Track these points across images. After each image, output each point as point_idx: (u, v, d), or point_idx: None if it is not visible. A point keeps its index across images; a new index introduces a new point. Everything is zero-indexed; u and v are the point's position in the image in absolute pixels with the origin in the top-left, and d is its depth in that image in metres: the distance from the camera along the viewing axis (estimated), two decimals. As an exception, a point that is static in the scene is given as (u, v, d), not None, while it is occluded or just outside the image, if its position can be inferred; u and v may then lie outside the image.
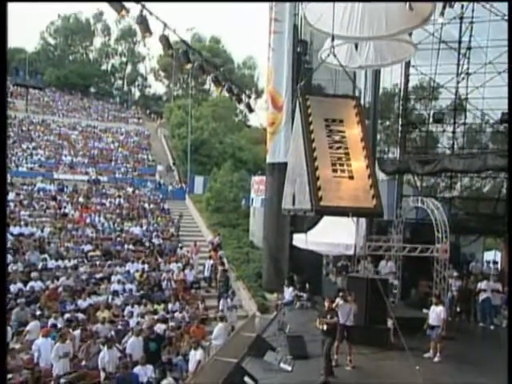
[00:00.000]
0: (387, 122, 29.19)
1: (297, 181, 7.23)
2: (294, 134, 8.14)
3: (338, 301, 8.75)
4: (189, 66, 7.30)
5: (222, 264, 17.45)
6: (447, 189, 22.13)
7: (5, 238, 5.14)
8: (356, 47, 10.18)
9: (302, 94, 7.85)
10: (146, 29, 5.98)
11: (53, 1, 55.12)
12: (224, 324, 11.14)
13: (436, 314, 9.01)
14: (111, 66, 64.79)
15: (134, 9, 6.72)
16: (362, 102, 19.39)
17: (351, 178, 6.81)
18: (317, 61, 15.48)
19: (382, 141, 27.63)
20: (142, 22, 5.87)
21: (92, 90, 62.01)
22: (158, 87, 69.53)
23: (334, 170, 6.90)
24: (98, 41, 64.41)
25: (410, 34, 10.70)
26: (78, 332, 10.62)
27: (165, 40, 6.46)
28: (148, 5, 5.81)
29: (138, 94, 65.01)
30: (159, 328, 11.20)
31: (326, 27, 7.57)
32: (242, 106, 13.56)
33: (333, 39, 7.18)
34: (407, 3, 7.27)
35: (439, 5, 9.85)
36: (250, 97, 10.17)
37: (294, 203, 7.39)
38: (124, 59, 64.27)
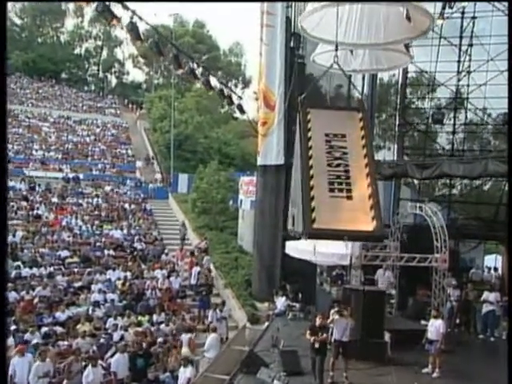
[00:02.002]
0: (383, 116, 29.67)
1: (297, 201, 7.39)
2: (295, 151, 8.30)
3: (334, 315, 9.05)
4: (180, 71, 7.46)
5: (209, 271, 17.70)
6: (446, 186, 22.73)
7: (5, 239, 5.30)
8: (351, 51, 10.45)
9: (303, 108, 7.99)
10: (136, 36, 6.14)
11: (50, 1, 54.85)
12: (216, 335, 11.41)
13: (435, 327, 9.38)
14: (85, 50, 63.80)
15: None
16: (357, 94, 19.77)
17: (349, 197, 6.90)
18: (310, 55, 15.78)
19: (377, 135, 28.13)
20: (133, 29, 6.02)
21: (64, 76, 61.13)
22: (136, 74, 68.72)
23: (331, 190, 6.98)
24: (70, 22, 63.40)
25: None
26: (57, 349, 10.76)
27: (156, 47, 6.62)
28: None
29: (114, 81, 64.26)
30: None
31: (322, 34, 7.78)
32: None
33: (336, 49, 7.40)
34: (405, 14, 7.53)
35: (438, 5, 10.17)
36: (241, 98, 10.31)
37: (293, 224, 7.56)
38: (99, 43, 63.38)
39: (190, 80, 8.22)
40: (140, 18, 6.25)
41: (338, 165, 7.24)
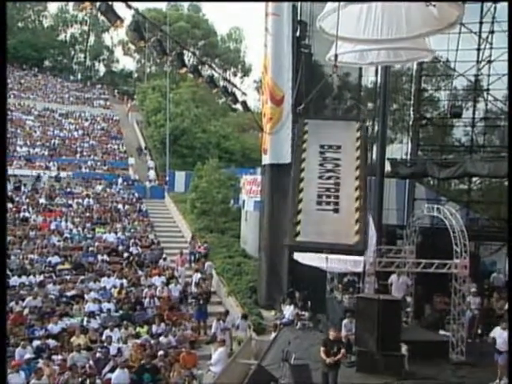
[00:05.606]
0: (394, 105, 29.71)
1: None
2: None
3: None
4: (184, 70, 7.59)
5: (210, 277, 17.87)
6: (463, 182, 22.80)
7: (5, 238, 5.51)
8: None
9: (301, 119, 8.31)
10: (140, 36, 6.27)
11: (47, 1, 55.36)
12: (225, 348, 11.61)
13: (503, 339, 9.81)
14: (70, 35, 63.87)
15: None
16: (367, 81, 19.77)
17: (336, 210, 7.23)
18: (318, 44, 15.85)
19: (388, 127, 28.14)
20: (136, 29, 6.15)
21: (47, 64, 61.16)
22: (127, 62, 68.74)
23: (319, 203, 7.36)
24: (53, 5, 63.33)
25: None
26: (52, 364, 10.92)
27: (159, 46, 6.75)
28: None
29: (103, 69, 64.43)
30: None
31: (341, 33, 7.95)
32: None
33: (336, 59, 7.60)
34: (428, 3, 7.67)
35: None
36: (246, 94, 10.41)
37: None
38: (85, 28, 63.38)
39: (195, 77, 8.34)
40: (144, 17, 6.38)
41: (329, 177, 7.56)
